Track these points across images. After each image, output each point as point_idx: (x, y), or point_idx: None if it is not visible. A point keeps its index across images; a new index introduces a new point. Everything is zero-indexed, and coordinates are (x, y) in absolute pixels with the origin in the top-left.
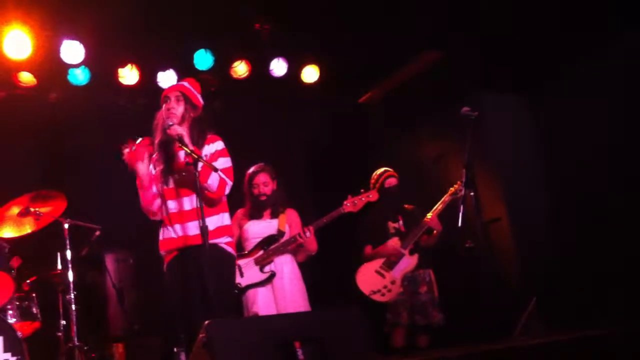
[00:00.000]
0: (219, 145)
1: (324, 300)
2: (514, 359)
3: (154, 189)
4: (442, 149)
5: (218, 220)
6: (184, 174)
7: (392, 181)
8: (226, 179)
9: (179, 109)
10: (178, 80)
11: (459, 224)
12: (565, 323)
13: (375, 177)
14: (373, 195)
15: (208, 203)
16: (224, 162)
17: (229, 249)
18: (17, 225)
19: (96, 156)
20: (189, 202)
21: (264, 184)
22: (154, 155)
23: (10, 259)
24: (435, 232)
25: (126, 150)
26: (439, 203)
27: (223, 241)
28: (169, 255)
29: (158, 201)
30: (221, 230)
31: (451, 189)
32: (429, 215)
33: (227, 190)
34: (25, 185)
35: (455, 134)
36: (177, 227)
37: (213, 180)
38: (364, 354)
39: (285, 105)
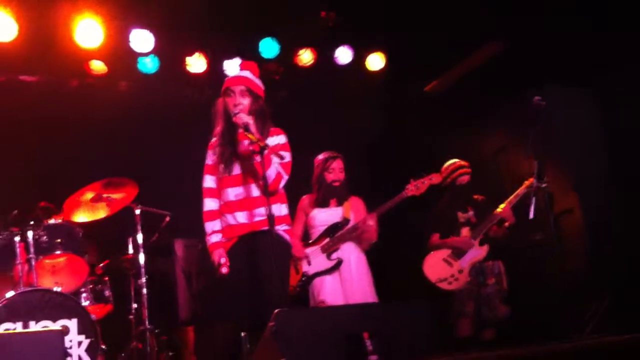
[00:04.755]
0: (282, 139)
1: (389, 289)
2: (585, 358)
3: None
4: (505, 139)
5: (275, 209)
6: (247, 161)
7: (465, 179)
8: (283, 173)
9: (245, 104)
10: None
11: (531, 216)
12: None
13: (449, 171)
14: (435, 178)
15: (265, 194)
16: (285, 157)
17: (286, 236)
18: (91, 211)
19: (166, 143)
20: (250, 190)
21: (340, 170)
22: (212, 141)
23: (83, 243)
24: (506, 223)
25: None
26: (513, 195)
27: (281, 229)
28: (228, 242)
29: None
30: (279, 219)
31: (526, 182)
32: (502, 206)
33: (282, 184)
34: (97, 172)
35: (519, 125)
36: (238, 214)
37: (271, 172)
38: (431, 348)
39: (349, 93)
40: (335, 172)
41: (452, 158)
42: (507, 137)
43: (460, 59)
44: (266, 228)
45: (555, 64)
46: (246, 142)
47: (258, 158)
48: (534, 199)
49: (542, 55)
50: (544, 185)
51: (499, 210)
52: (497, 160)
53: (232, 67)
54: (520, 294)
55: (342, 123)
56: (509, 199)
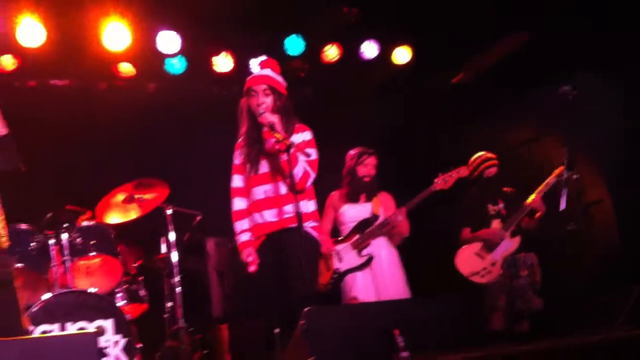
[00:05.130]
0: (307, 135)
1: (422, 285)
2: (616, 351)
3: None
4: (535, 129)
5: (303, 206)
6: (273, 160)
7: (492, 171)
8: (310, 172)
9: (268, 103)
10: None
11: (562, 206)
12: None
13: (476, 163)
14: (463, 171)
15: (292, 191)
16: (311, 154)
17: (314, 233)
18: (123, 212)
19: (195, 143)
20: (277, 188)
21: (373, 166)
22: (239, 142)
23: (116, 243)
24: (538, 214)
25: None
26: (542, 185)
27: (308, 225)
28: (257, 240)
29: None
30: (306, 216)
31: (556, 170)
32: (532, 197)
33: (309, 183)
34: (128, 173)
35: (547, 115)
36: (265, 213)
37: (298, 171)
38: (462, 343)
39: (376, 87)
40: (368, 167)
41: (481, 150)
42: (538, 127)
43: (487, 49)
44: (294, 225)
45: (586, 52)
46: (272, 140)
47: (285, 157)
48: (564, 189)
49: (572, 42)
50: (574, 175)
51: (529, 201)
52: (528, 150)
53: (257, 65)
54: (552, 286)
55: (369, 118)
56: (538, 189)
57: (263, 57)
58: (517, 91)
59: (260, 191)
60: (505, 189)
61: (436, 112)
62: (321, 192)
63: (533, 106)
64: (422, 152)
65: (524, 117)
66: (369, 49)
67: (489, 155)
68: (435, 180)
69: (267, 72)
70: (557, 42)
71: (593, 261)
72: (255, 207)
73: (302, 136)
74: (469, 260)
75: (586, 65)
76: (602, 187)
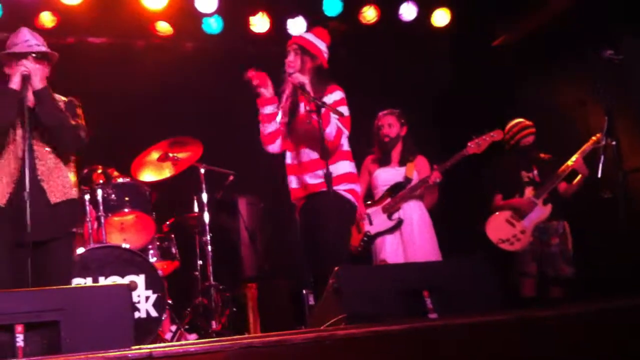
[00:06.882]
0: (337, 95)
1: (454, 250)
2: None
3: (274, 125)
4: (580, 94)
5: (334, 169)
6: (307, 122)
7: (529, 139)
8: (343, 129)
9: (297, 62)
10: (307, 27)
11: (599, 174)
12: None
13: (512, 132)
14: (497, 135)
15: (325, 152)
16: (343, 113)
17: (348, 195)
18: (157, 170)
19: (230, 104)
20: (310, 152)
21: (389, 125)
22: (282, 105)
23: (151, 201)
24: (579, 177)
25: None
26: (578, 152)
27: (341, 188)
28: (297, 203)
29: (279, 140)
30: (338, 178)
31: (593, 138)
32: (573, 158)
33: (343, 140)
34: (163, 132)
35: (595, 79)
36: (300, 176)
37: (331, 130)
38: (493, 305)
39: (415, 50)
40: (384, 127)
41: (521, 116)
42: (583, 91)
43: (530, 10)
44: (325, 189)
45: (635, 12)
46: (303, 103)
47: (315, 117)
48: (602, 157)
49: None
50: (613, 142)
51: (562, 168)
52: (573, 116)
53: (295, 25)
54: (588, 254)
55: (408, 81)
56: (573, 157)
57: (300, 18)
58: (565, 54)
59: (295, 155)
60: (541, 155)
61: (480, 75)
62: (358, 156)
63: (583, 69)
64: (465, 114)
65: (573, 81)
66: (408, 11)
67: (527, 122)
68: (469, 144)
69: (304, 33)
70: (604, 5)
71: (631, 230)
72: (291, 170)
73: (333, 96)
74: (499, 228)
75: (634, 29)
76: None
